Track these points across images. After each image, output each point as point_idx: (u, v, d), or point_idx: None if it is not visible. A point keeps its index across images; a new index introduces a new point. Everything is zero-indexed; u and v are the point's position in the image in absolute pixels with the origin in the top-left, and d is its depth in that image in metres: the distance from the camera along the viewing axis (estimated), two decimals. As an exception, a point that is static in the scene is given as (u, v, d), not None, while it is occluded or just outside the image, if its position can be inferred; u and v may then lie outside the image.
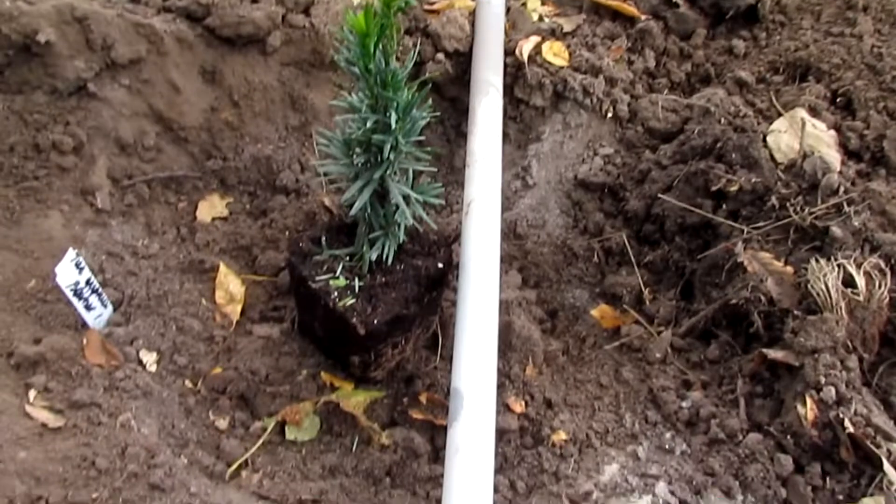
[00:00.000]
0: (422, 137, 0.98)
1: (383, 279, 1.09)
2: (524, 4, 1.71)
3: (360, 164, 0.97)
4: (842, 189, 1.27)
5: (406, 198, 1.03)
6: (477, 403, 0.93)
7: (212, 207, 1.51)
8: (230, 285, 1.35)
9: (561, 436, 1.15)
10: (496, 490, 1.10)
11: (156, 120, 1.46)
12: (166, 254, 1.38)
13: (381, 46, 0.86)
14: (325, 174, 1.00)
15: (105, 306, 1.21)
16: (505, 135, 1.54)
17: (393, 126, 0.88)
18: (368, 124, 0.89)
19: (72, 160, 1.35)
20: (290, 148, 1.55)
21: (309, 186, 1.51)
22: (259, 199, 1.53)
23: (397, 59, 0.91)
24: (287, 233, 1.44)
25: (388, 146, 0.91)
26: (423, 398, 1.22)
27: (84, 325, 1.19)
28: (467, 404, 0.93)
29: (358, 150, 0.98)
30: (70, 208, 1.32)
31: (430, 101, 0.96)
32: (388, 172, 0.97)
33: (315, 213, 1.46)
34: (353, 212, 0.98)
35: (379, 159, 0.95)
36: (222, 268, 1.36)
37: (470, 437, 0.90)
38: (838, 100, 1.55)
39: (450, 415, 0.94)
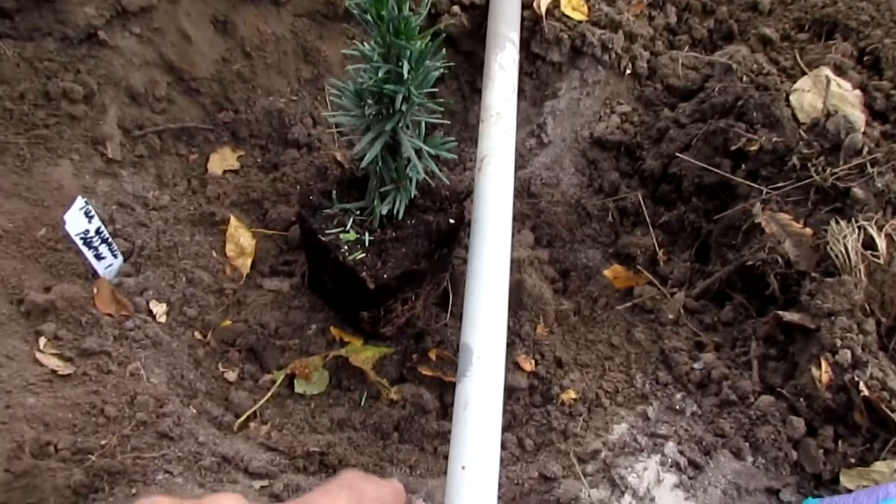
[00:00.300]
0: (435, 90, 0.96)
1: (394, 234, 1.08)
2: (543, -43, 1.66)
3: (371, 116, 0.95)
4: (865, 149, 1.23)
5: (418, 151, 1.01)
6: (486, 359, 0.92)
7: (223, 160, 1.49)
8: (240, 238, 1.34)
9: (570, 395, 1.15)
10: (504, 447, 1.10)
11: (167, 70, 1.44)
12: (177, 206, 1.37)
13: (393, -8, 0.83)
14: (337, 125, 0.97)
15: (115, 256, 1.21)
16: (520, 91, 1.51)
17: (405, 76, 0.85)
18: (380, 74, 0.86)
19: (82, 109, 1.33)
20: (302, 101, 1.53)
21: (321, 141, 1.49)
22: (270, 152, 1.52)
23: (411, 9, 0.88)
24: (298, 187, 1.42)
25: (400, 97, 0.89)
26: (432, 355, 1.22)
27: (94, 274, 1.19)
28: (476, 360, 0.92)
29: (370, 101, 0.96)
30: (80, 157, 1.31)
31: (443, 52, 0.93)
32: (400, 124, 0.94)
33: (327, 167, 1.44)
34: (363, 164, 0.96)
35: (391, 111, 0.92)
36: (233, 221, 1.35)
37: (479, 392, 0.89)
38: (865, 58, 1.51)
39: (458, 370, 0.93)
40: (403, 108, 0.90)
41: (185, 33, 1.43)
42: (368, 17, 0.84)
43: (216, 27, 1.47)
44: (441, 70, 0.94)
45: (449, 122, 1.56)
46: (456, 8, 1.49)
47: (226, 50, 1.49)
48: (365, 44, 0.92)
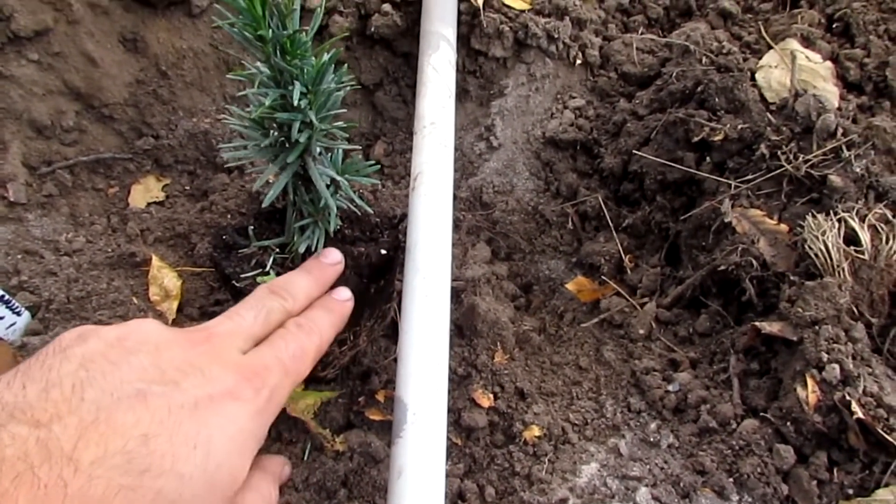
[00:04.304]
0: (343, 110, 0.83)
1: (318, 272, 0.95)
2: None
3: (272, 146, 0.82)
4: (840, 131, 1.11)
5: (334, 181, 0.88)
6: (423, 415, 0.80)
7: (147, 191, 1.37)
8: (165, 280, 1.21)
9: (534, 432, 1.03)
10: (463, 498, 0.99)
11: (74, 97, 1.31)
12: (93, 248, 1.24)
13: (273, 7, 0.70)
14: (238, 159, 0.85)
15: (18, 313, 1.08)
16: (465, 91, 1.39)
17: (295, 102, 0.73)
18: (268, 101, 0.74)
19: (-22, 150, 1.21)
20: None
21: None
22: (199, 178, 1.39)
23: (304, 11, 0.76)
24: (229, 216, 1.30)
25: (297, 126, 0.76)
26: (380, 396, 1.10)
27: (-3, 338, 1.06)
28: (411, 416, 0.80)
29: (273, 130, 0.83)
30: (-23, 205, 1.19)
31: (345, 66, 0.81)
32: (305, 154, 0.82)
33: (260, 192, 1.32)
34: (265, 203, 0.84)
35: (292, 141, 0.80)
36: (155, 261, 1.22)
37: (415, 457, 0.77)
38: (835, 26, 1.39)
39: (393, 430, 0.81)
40: (301, 138, 0.77)
41: (89, 56, 1.30)
42: (247, 36, 0.72)
43: (125, 46, 1.34)
44: (347, 89, 0.81)
45: (389, 135, 1.44)
46: (387, 6, 1.36)
47: (139, 70, 1.36)
48: (258, 64, 0.80)
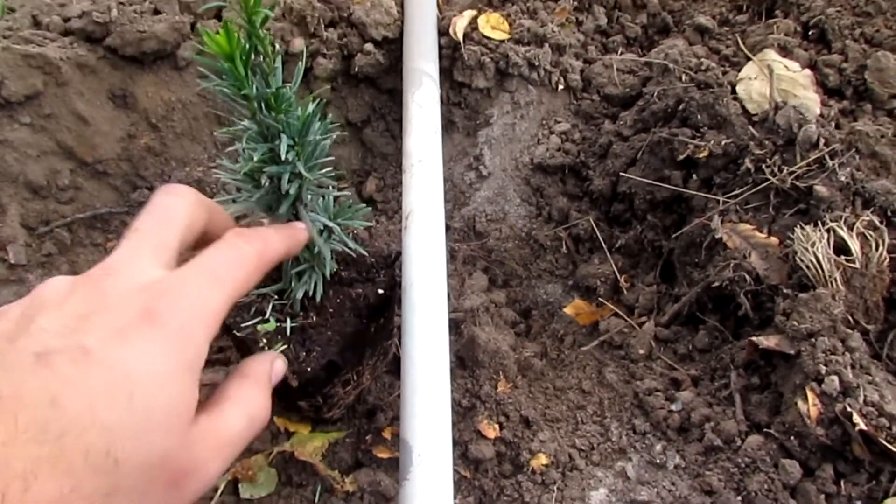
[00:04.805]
0: (331, 158, 0.84)
1: (316, 316, 0.96)
2: (457, -26, 1.55)
3: (262, 197, 0.84)
4: (822, 141, 1.13)
5: (328, 228, 0.89)
6: (429, 456, 0.80)
7: (144, 243, 1.38)
8: (167, 331, 1.22)
9: (541, 460, 1.03)
10: (475, 531, 1.00)
11: (67, 156, 1.33)
12: (94, 304, 1.25)
13: (255, 66, 0.72)
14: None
15: (25, 378, 1.09)
16: (451, 123, 1.41)
17: (283, 155, 0.74)
18: (256, 156, 0.75)
19: (-24, 215, 1.22)
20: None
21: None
22: (195, 227, 1.40)
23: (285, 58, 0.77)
24: (226, 262, 1.31)
25: (286, 178, 0.78)
26: (387, 433, 1.10)
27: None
28: (416, 458, 0.80)
29: (265, 182, 0.84)
30: (-22, 270, 1.20)
31: (329, 116, 0.82)
32: (295, 203, 0.83)
33: (254, 236, 1.33)
34: (260, 254, 0.85)
35: (282, 192, 0.81)
36: (156, 313, 1.23)
37: (422, 497, 0.77)
38: (810, 33, 1.41)
39: (399, 472, 0.82)
40: (291, 189, 0.78)
41: (80, 115, 1.32)
42: (230, 95, 0.73)
43: (115, 103, 1.36)
44: (332, 136, 0.83)
45: (380, 172, 1.46)
46: (369, 46, 1.38)
47: (130, 125, 1.38)
48: (245, 120, 0.81)
